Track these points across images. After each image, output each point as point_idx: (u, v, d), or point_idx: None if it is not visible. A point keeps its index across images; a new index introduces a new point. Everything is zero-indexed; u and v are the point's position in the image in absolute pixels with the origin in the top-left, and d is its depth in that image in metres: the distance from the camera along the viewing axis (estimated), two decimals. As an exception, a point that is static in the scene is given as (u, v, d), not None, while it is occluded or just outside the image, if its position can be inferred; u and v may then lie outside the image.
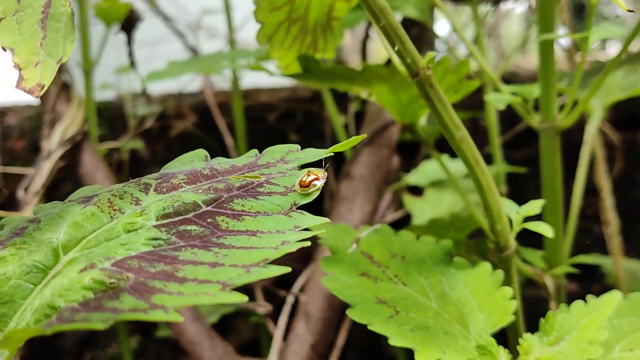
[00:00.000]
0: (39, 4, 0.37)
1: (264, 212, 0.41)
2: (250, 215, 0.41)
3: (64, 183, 1.03)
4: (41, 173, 0.92)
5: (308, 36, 0.68)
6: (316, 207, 0.97)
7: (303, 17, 0.66)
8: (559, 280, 0.77)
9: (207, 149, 0.50)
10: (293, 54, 0.68)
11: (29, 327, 0.35)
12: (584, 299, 0.60)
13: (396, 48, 0.54)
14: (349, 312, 0.56)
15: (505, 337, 0.63)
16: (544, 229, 0.61)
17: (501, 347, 0.56)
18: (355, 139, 0.47)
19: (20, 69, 0.36)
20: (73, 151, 0.94)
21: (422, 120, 0.76)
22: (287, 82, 1.32)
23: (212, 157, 0.50)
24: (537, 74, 0.77)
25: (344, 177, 0.99)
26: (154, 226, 0.39)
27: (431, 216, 1.05)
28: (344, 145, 0.47)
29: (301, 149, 0.49)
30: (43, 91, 0.35)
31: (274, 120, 1.30)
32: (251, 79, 1.34)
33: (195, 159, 0.48)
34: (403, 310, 0.58)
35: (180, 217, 0.40)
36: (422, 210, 1.08)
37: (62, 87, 0.95)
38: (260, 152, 0.49)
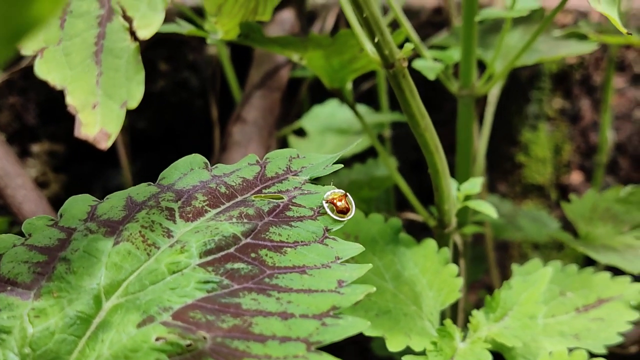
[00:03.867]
0: (91, 34, 0.32)
1: (302, 242, 0.40)
2: (290, 247, 0.39)
3: None
4: None
5: (252, 2, 0.64)
6: (206, 151, 0.94)
7: (251, -16, 0.63)
8: (465, 238, 0.82)
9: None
10: (236, 20, 0.64)
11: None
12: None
13: (376, 39, 0.53)
14: (319, 301, 0.57)
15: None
16: (487, 209, 0.64)
17: (455, 327, 0.60)
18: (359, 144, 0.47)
19: (76, 112, 0.31)
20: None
21: (349, 85, 0.76)
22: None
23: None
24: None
25: (236, 121, 0.97)
26: (199, 265, 0.37)
27: (317, 158, 1.06)
28: (351, 150, 0.47)
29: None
30: (111, 141, 0.31)
31: (143, 49, 1.22)
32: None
33: (194, 167, 0.45)
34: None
35: (223, 253, 0.38)
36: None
37: None
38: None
